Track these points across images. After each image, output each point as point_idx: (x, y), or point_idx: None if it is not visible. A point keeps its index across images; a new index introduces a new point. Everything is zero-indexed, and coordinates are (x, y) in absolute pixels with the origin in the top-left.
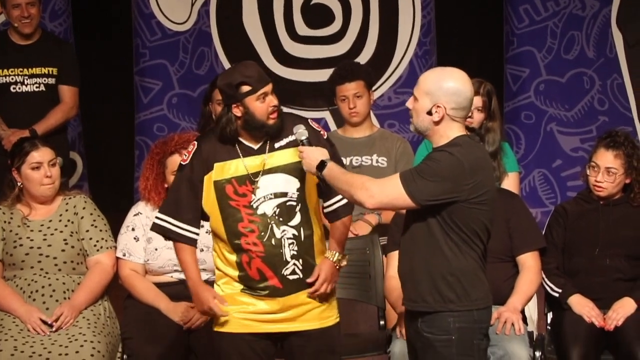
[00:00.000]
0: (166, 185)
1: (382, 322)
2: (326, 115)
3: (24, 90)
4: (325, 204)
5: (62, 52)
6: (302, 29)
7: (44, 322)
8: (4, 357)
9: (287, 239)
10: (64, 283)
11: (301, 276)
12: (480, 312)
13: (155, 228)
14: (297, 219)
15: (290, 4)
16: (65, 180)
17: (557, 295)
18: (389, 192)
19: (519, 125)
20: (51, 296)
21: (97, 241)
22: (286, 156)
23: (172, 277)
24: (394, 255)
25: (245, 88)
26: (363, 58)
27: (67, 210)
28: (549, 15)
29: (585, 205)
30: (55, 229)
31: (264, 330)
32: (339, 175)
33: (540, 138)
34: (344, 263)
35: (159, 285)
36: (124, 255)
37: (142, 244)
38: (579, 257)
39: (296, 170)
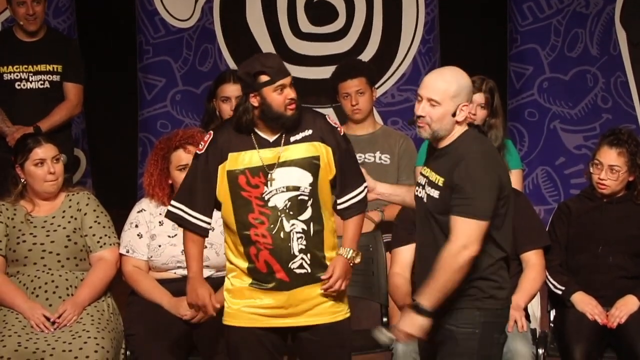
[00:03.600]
0: (170, 181)
1: (385, 319)
2: (329, 112)
3: (28, 87)
4: (339, 201)
5: (66, 49)
6: (305, 26)
7: (47, 319)
8: (8, 352)
9: (296, 232)
10: (67, 279)
11: (309, 270)
12: (504, 309)
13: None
14: (307, 214)
15: (294, 1)
16: (69, 176)
17: (560, 292)
18: (469, 233)
19: (522, 123)
20: (54, 292)
21: (101, 237)
22: (301, 150)
23: (175, 273)
24: (399, 252)
25: (264, 78)
26: (366, 55)
27: (70, 207)
28: (552, 12)
29: (588, 202)
30: (59, 226)
31: (272, 324)
32: (438, 288)
33: (544, 136)
34: (358, 260)
35: (162, 282)
36: (128, 251)
37: (145, 240)
38: (582, 255)
39: (310, 165)
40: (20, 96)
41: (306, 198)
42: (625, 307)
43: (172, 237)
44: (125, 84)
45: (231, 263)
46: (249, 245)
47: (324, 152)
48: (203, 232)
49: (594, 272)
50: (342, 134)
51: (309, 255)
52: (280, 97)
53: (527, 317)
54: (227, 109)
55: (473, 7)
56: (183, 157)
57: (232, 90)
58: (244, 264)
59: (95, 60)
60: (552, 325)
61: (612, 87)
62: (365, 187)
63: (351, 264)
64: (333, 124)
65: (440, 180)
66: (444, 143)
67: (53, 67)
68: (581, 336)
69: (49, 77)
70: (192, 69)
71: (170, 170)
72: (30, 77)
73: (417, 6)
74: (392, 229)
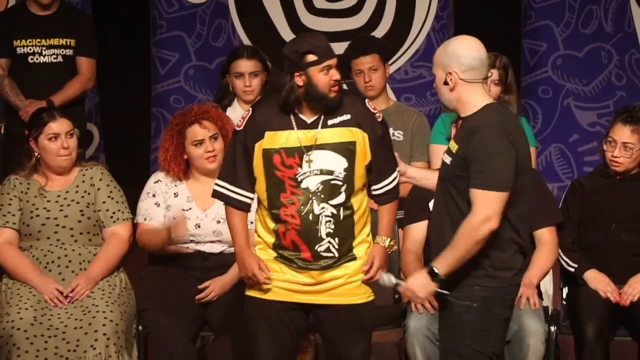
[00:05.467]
0: (185, 157)
1: (397, 296)
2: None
3: (41, 61)
4: (374, 187)
5: (80, 23)
6: (319, 1)
7: (60, 293)
8: (25, 324)
9: (325, 216)
10: (80, 254)
11: (336, 255)
12: (510, 287)
13: (216, 194)
14: (339, 199)
15: None
16: (82, 151)
17: (572, 270)
18: (489, 205)
19: (536, 100)
20: (67, 267)
21: (114, 212)
22: (337, 134)
23: (188, 247)
24: (411, 229)
25: (311, 57)
26: (380, 31)
27: (83, 182)
28: None
29: (601, 180)
30: (72, 200)
31: (294, 299)
32: (455, 257)
33: (557, 113)
34: (395, 248)
35: (175, 256)
36: (145, 219)
37: (162, 210)
38: (595, 232)
39: (345, 150)
40: (33, 70)
41: (339, 183)
42: (638, 284)
43: (187, 210)
44: (139, 59)
45: (259, 236)
46: (278, 223)
47: (360, 138)
48: (246, 208)
49: (607, 249)
50: (380, 119)
51: (337, 239)
52: (326, 77)
53: (540, 294)
54: (240, 85)
55: None
56: (199, 132)
57: (245, 66)
58: (271, 239)
59: (109, 35)
60: (564, 302)
61: (626, 64)
62: (398, 172)
63: (389, 252)
64: (372, 109)
65: (455, 148)
66: (464, 114)
67: (66, 41)
68: (594, 314)
69: (62, 51)
70: (206, 44)
71: (186, 145)
72: (43, 51)
73: None
74: (404, 206)
